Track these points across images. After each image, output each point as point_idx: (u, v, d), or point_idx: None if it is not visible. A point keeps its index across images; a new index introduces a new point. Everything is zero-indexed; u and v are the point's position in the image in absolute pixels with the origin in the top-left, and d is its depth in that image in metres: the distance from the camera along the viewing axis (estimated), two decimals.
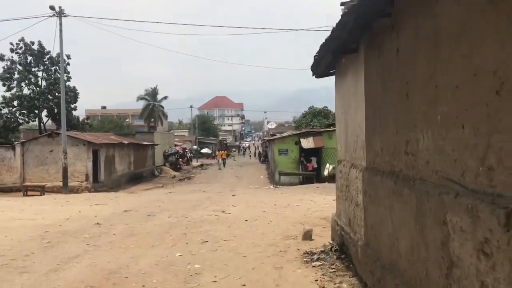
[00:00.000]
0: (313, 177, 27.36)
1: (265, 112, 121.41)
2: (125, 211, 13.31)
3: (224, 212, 12.83)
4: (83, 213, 13.05)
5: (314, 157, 30.64)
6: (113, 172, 33.31)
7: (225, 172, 39.28)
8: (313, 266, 6.80)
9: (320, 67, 7.64)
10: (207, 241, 8.85)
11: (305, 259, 7.26)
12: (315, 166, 30.35)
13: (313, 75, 8.38)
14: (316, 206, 14.96)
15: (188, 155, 59.28)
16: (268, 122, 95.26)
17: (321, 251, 7.60)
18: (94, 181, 29.21)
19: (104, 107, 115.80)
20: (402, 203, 4.11)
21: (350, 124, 6.83)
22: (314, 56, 7.07)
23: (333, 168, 27.29)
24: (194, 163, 56.82)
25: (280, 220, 11.42)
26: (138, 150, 39.46)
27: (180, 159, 50.39)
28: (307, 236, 8.96)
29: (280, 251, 7.98)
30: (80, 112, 55.90)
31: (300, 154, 30.14)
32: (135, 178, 36.89)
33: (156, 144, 44.95)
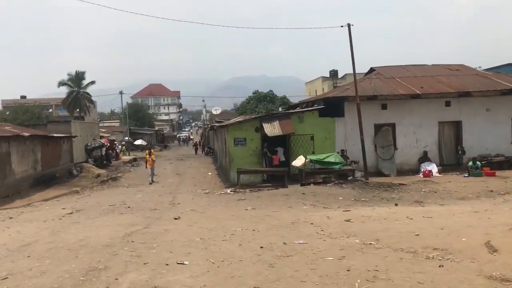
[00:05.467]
0: (285, 175, 19.88)
1: (203, 101, 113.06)
2: None
3: None
4: None
5: (281, 148, 23.26)
6: (9, 175, 24.21)
7: (162, 169, 30.85)
8: None
9: None
10: None
11: None
12: (283, 159, 22.98)
13: None
14: (349, 251, 7.50)
15: (118, 148, 50.23)
16: (208, 111, 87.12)
17: None
18: None
19: (24, 97, 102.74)
20: None
21: None
22: None
23: (311, 161, 20.03)
24: (125, 157, 47.82)
25: None
26: (48, 144, 30.22)
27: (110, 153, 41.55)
28: None
29: None
30: None
31: (262, 144, 22.61)
32: (45, 181, 27.85)
33: (74, 136, 35.73)
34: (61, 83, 71.70)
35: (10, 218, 12.75)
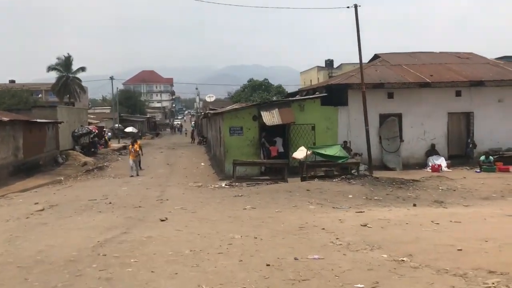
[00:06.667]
0: (285, 168, 18.25)
1: (196, 88, 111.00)
2: None
3: None
4: None
5: (280, 138, 21.63)
6: None
7: (151, 158, 29.15)
8: None
9: None
10: None
11: None
12: (281, 150, 21.36)
13: None
14: (380, 272, 5.94)
15: (107, 135, 48.38)
16: (202, 99, 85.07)
17: None
18: None
19: (12, 81, 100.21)
20: None
21: None
22: None
23: (313, 153, 18.41)
24: (115, 144, 46.05)
25: None
26: (31, 130, 28.36)
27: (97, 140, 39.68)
28: None
29: None
30: None
31: (260, 133, 20.98)
32: (27, 169, 26.06)
33: (60, 122, 33.83)
34: (50, 68, 69.47)
35: None
